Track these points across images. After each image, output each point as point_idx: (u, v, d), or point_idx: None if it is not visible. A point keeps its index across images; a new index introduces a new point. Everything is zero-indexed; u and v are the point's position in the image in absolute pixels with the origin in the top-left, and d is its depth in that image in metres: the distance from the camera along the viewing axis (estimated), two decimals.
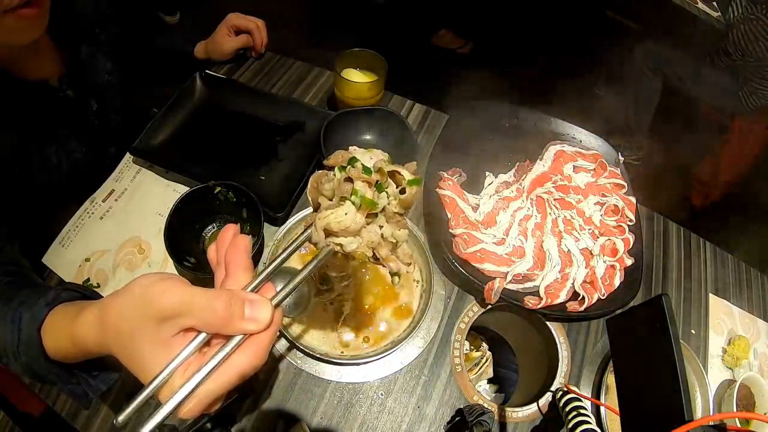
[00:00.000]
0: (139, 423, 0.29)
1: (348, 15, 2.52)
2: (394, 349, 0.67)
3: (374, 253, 0.41)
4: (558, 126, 0.95)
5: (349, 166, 0.39)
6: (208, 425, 0.57)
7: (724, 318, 0.84)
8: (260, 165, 0.84)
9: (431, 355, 0.70)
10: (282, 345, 0.68)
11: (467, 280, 0.72)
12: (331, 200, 0.40)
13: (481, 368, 0.95)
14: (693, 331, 0.80)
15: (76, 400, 0.49)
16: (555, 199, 0.83)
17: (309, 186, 0.42)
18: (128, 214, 0.78)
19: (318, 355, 0.65)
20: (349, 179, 0.39)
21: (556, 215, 0.81)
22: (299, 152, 0.86)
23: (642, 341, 0.42)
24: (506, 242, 0.77)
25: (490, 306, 0.74)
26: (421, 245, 0.75)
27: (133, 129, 0.82)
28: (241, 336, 0.32)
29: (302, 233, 0.40)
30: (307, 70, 1.03)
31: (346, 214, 0.37)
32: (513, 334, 0.92)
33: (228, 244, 0.36)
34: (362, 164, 0.39)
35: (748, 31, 1.74)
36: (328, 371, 0.67)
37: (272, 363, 0.67)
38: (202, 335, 0.32)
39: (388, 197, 0.40)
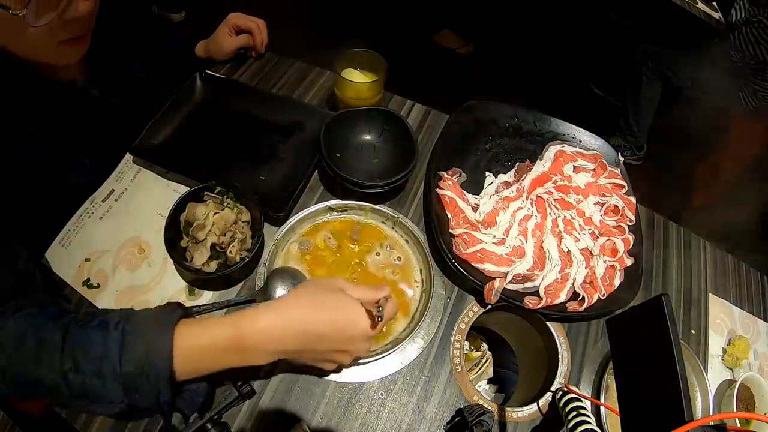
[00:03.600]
0: None
1: (348, 15, 2.52)
2: (394, 349, 0.67)
3: None
4: (558, 126, 0.95)
5: None
6: (208, 425, 0.57)
7: (724, 318, 0.84)
8: (260, 165, 0.84)
9: (431, 355, 0.70)
10: None
11: (467, 280, 0.72)
12: None
13: (481, 368, 0.95)
14: (693, 331, 0.80)
15: (163, 419, 0.49)
16: (555, 199, 0.83)
17: None
18: (128, 214, 0.78)
19: None
20: None
21: (556, 215, 0.81)
22: (299, 152, 0.86)
23: (642, 341, 0.42)
24: (506, 242, 0.77)
25: (490, 306, 0.74)
26: (421, 245, 0.75)
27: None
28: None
29: None
30: (307, 70, 1.03)
31: None
32: (513, 334, 0.92)
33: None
34: None
35: (749, 33, 1.75)
36: None
37: (272, 363, 0.67)
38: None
39: None
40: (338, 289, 0.55)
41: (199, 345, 0.47)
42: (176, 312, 0.48)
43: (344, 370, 0.67)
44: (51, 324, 0.44)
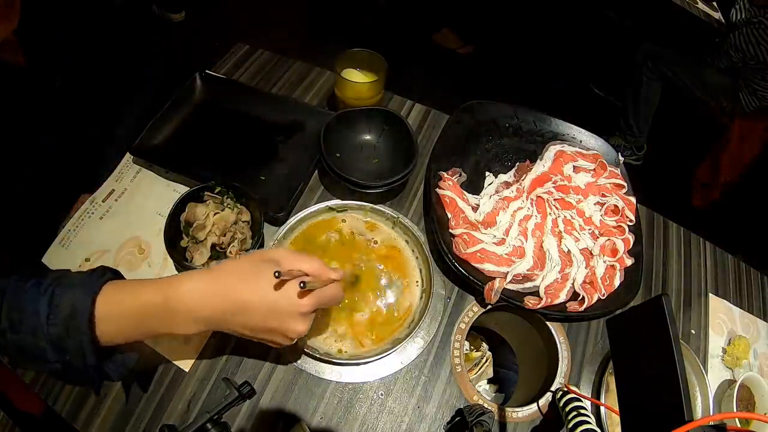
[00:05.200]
0: None
1: (348, 15, 2.52)
2: (394, 349, 0.67)
3: None
4: (558, 126, 0.95)
5: None
6: (208, 425, 0.57)
7: (724, 318, 0.84)
8: (260, 165, 0.84)
9: (431, 355, 0.70)
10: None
11: (467, 280, 0.72)
12: None
13: (481, 368, 0.95)
14: (693, 331, 0.80)
15: (89, 384, 0.50)
16: (555, 199, 0.83)
17: None
18: (128, 214, 0.78)
19: (318, 355, 0.65)
20: None
21: (556, 215, 0.81)
22: (299, 152, 0.86)
23: (642, 341, 0.42)
24: (506, 242, 0.77)
25: (490, 306, 0.74)
26: (421, 245, 0.75)
27: (118, 120, 0.82)
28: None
29: None
30: (307, 70, 1.03)
31: None
32: (513, 334, 0.92)
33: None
34: None
35: (749, 34, 1.75)
36: (328, 371, 0.67)
37: (272, 363, 0.67)
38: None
39: None
40: (271, 259, 0.51)
41: (122, 308, 0.47)
42: (104, 276, 0.49)
43: (343, 370, 0.67)
44: None
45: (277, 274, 0.47)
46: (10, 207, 0.67)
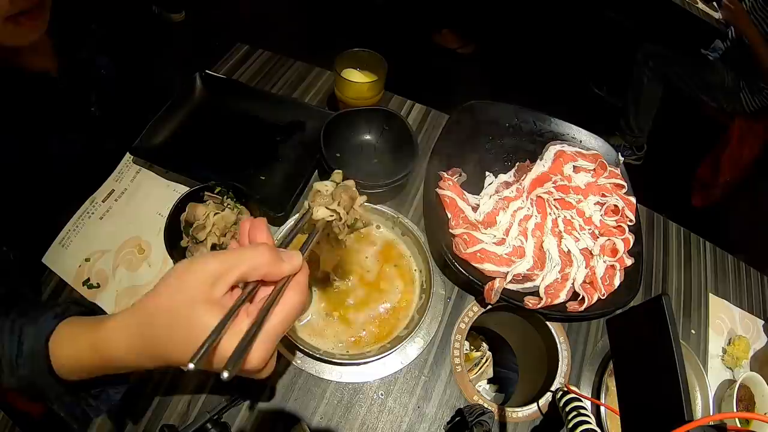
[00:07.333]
0: None
1: (348, 15, 2.52)
2: (394, 349, 0.67)
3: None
4: (558, 126, 0.95)
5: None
6: (208, 425, 0.57)
7: (724, 318, 0.84)
8: (260, 165, 0.84)
9: (431, 355, 0.70)
10: (282, 345, 0.68)
11: (467, 280, 0.72)
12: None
13: (481, 368, 0.95)
14: (693, 331, 0.80)
15: (72, 422, 0.48)
16: (555, 199, 0.83)
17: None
18: (128, 214, 0.78)
19: (318, 355, 0.65)
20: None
21: (556, 215, 0.81)
22: (299, 152, 0.86)
23: (642, 341, 0.42)
24: (506, 242, 0.77)
25: (490, 306, 0.74)
26: (421, 245, 0.75)
27: (131, 126, 0.82)
28: (284, 281, 0.39)
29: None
30: (307, 70, 1.03)
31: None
32: (513, 334, 0.92)
33: (250, 227, 0.43)
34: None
35: (757, 25, 1.75)
36: (328, 371, 0.67)
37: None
38: (249, 287, 0.38)
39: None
40: (208, 300, 0.37)
41: (69, 357, 0.44)
42: (53, 321, 0.45)
43: (343, 370, 0.67)
44: None
45: (190, 366, 0.34)
46: (13, 208, 0.67)
